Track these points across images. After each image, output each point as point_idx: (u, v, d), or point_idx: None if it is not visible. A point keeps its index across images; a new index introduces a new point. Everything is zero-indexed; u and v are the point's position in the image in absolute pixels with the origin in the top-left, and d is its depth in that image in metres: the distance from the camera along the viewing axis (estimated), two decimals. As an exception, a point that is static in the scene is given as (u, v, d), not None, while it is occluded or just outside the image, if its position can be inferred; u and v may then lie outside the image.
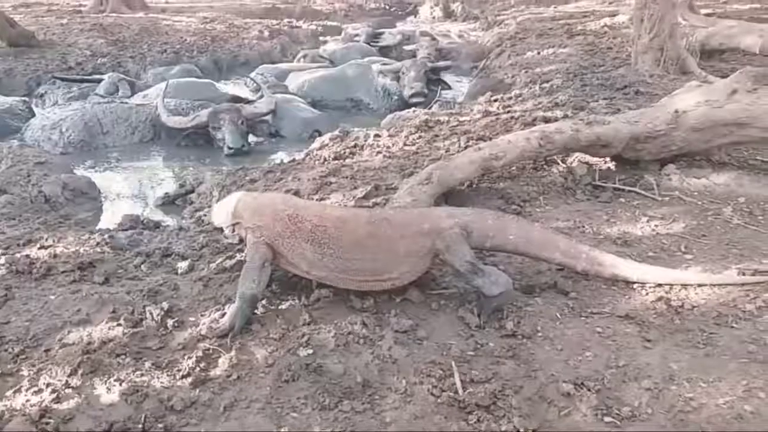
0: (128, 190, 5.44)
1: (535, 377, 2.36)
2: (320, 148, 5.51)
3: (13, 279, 3.03)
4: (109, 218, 4.69)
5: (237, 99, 7.81)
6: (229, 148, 6.38)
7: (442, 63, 8.66)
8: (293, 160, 5.34)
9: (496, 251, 3.09)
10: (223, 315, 2.71)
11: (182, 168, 6.00)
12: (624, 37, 10.07)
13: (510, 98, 6.67)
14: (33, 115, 7.59)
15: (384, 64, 8.53)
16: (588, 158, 4.41)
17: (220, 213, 3.06)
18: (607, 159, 4.41)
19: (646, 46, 7.13)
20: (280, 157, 6.37)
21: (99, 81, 8.36)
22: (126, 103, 7.13)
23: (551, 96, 6.41)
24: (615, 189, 4.08)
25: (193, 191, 4.98)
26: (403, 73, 7.83)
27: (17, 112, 7.46)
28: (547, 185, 4.14)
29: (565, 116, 5.33)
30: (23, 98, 8.00)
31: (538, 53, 9.68)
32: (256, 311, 2.72)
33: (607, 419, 2.14)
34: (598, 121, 4.22)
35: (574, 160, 4.41)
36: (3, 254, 3.32)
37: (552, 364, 2.42)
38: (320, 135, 7.03)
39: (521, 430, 2.09)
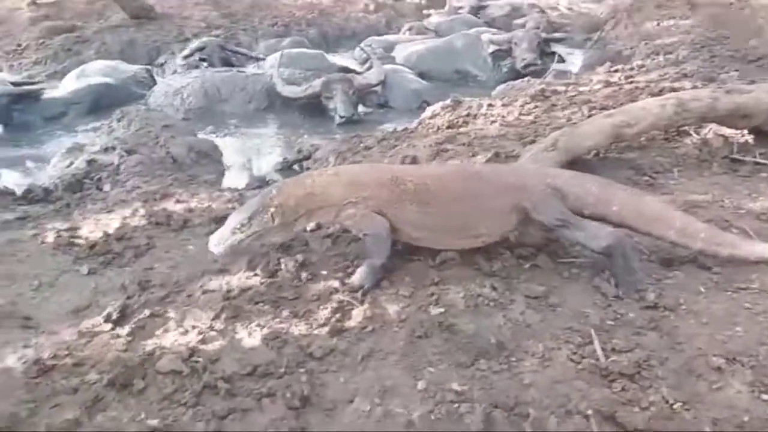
0: (247, 155, 5.63)
1: (681, 350, 2.23)
2: (432, 117, 5.45)
3: (154, 229, 3.20)
4: (231, 180, 4.86)
5: (346, 69, 7.88)
6: (341, 117, 6.46)
7: (556, 34, 8.35)
8: (406, 128, 5.32)
9: (597, 221, 2.85)
10: (354, 272, 2.74)
11: (297, 135, 6.12)
12: (752, 8, 9.35)
13: (632, 69, 6.34)
14: (155, 82, 7.98)
15: (494, 35, 8.32)
16: (724, 130, 4.12)
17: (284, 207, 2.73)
18: (745, 131, 4.10)
19: (785, 15, 6.57)
20: (390, 126, 6.36)
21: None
22: (243, 72, 7.36)
23: (677, 67, 6.05)
24: (756, 163, 3.79)
25: (309, 157, 5.08)
26: (515, 44, 7.61)
27: (140, 79, 7.88)
28: (680, 157, 3.91)
29: (694, 87, 5.01)
30: (146, 67, 8.43)
31: (658, 24, 9.13)
32: (384, 268, 2.73)
33: (765, 397, 2.00)
34: (738, 89, 3.92)
35: (708, 131, 4.14)
36: (142, 206, 3.51)
37: (698, 338, 2.28)
38: (429, 105, 6.99)
39: (670, 400, 1.99)
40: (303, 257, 2.83)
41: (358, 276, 2.67)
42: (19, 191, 4.34)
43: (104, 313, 2.47)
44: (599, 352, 2.21)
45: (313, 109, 6.87)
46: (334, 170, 3.07)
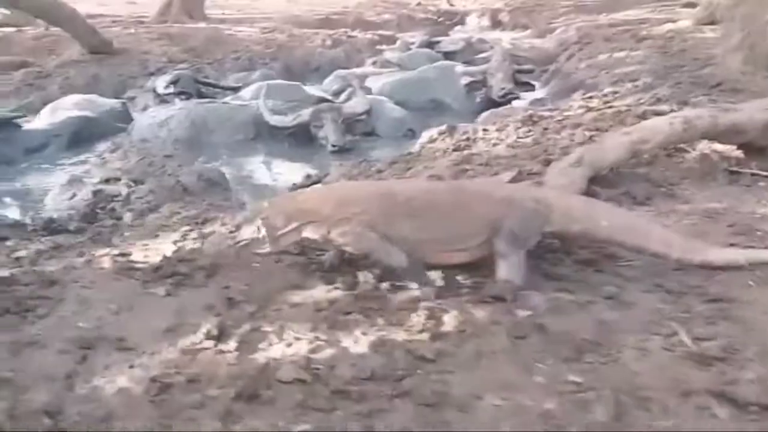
0: (251, 182, 5.65)
1: (755, 335, 2.43)
2: (431, 142, 5.68)
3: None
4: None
5: (324, 100, 8.03)
6: (333, 146, 6.58)
7: (526, 66, 8.82)
8: (410, 152, 5.49)
9: (585, 239, 2.95)
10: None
11: (292, 163, 6.21)
12: (694, 40, 10.16)
13: (605, 95, 6.80)
14: (130, 116, 7.89)
15: (465, 67, 8.69)
16: (716, 146, 4.49)
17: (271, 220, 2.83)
18: (734, 147, 4.49)
19: (736, 45, 7.19)
20: (381, 153, 6.53)
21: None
22: (227, 103, 7.38)
23: (648, 93, 6.51)
24: (752, 174, 4.16)
25: (319, 182, 5.15)
26: (490, 74, 7.99)
27: (116, 113, 7.77)
28: (685, 170, 4.23)
29: (672, 110, 5.42)
30: (122, 100, 8.31)
31: (610, 56, 9.77)
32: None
33: None
34: (733, 108, 4.32)
35: (704, 147, 4.50)
36: (191, 230, 3.51)
37: (764, 324, 2.51)
38: (413, 133, 7.23)
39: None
40: (377, 270, 2.91)
41: (412, 284, 2.76)
42: (32, 223, 4.22)
43: (203, 331, 2.47)
44: (687, 340, 2.38)
45: (300, 138, 6.96)
46: (328, 186, 3.16)
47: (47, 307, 2.70)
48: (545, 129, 5.54)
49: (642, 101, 6.13)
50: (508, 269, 2.71)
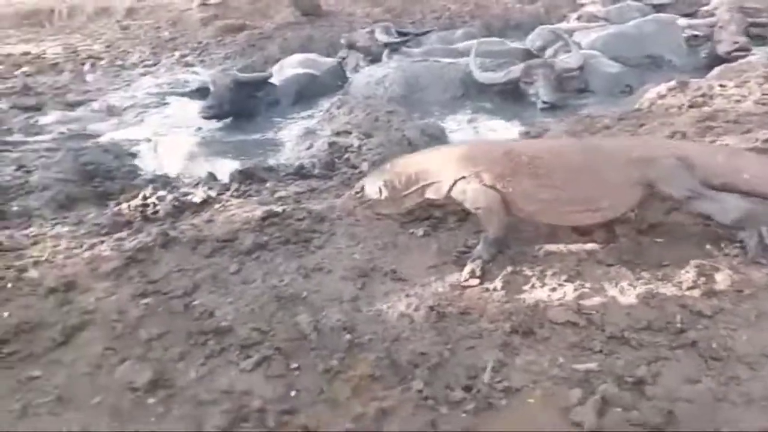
0: (467, 138, 5.74)
1: None
2: (661, 98, 5.34)
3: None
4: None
5: (531, 55, 7.86)
6: (544, 102, 6.42)
7: (761, 18, 7.90)
8: (638, 108, 5.22)
9: (727, 191, 2.71)
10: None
11: (503, 121, 6.20)
12: None
13: None
14: (345, 74, 8.35)
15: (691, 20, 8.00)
16: None
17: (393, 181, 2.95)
18: None
19: None
20: (594, 111, 6.25)
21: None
22: (438, 61, 7.52)
23: None
24: None
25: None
26: (720, 27, 7.28)
27: (335, 72, 8.28)
28: None
29: None
30: (338, 60, 8.81)
31: None
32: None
33: None
34: None
35: None
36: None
37: None
38: (630, 89, 6.84)
39: None
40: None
41: (477, 249, 2.72)
42: (282, 169, 4.67)
43: (467, 270, 2.62)
44: None
45: (507, 95, 6.89)
46: (447, 147, 3.20)
47: (322, 239, 3.01)
48: (796, 86, 4.99)
49: None
50: (721, 207, 2.58)
